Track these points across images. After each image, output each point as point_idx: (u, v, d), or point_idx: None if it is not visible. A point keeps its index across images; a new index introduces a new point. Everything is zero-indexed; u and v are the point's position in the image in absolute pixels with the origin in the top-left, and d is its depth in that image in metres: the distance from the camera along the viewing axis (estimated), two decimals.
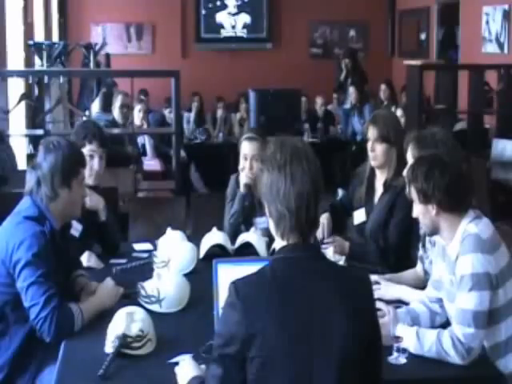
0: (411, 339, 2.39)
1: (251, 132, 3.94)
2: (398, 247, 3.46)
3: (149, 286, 2.79)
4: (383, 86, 9.11)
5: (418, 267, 3.11)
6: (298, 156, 1.88)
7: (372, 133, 3.57)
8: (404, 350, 2.35)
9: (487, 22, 8.18)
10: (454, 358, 2.35)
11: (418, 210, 2.56)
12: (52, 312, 2.54)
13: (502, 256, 2.49)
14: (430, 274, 2.95)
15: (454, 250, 2.51)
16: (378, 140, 3.54)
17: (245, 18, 10.89)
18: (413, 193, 2.55)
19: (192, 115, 9.35)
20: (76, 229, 3.35)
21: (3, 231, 2.72)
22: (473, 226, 2.48)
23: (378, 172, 3.65)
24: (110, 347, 2.37)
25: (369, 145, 3.59)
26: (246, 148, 3.73)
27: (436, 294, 2.67)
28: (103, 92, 7.40)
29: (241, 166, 3.76)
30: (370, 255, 3.46)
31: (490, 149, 6.87)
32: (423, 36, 10.29)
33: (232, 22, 10.89)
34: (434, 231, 2.57)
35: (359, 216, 3.65)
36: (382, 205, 3.55)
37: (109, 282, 2.88)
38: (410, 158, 3.03)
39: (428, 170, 2.49)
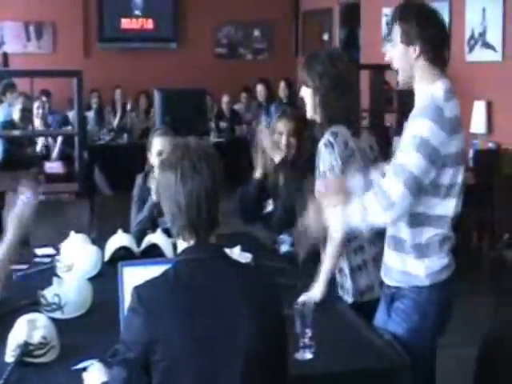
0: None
1: (162, 128, 3.87)
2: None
3: (49, 294, 2.72)
4: (282, 84, 9.15)
5: None
6: (189, 155, 1.87)
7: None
8: (310, 346, 2.35)
9: (387, 23, 8.40)
10: (375, 210, 2.31)
11: (396, 52, 2.49)
12: None
13: (456, 142, 2.36)
14: None
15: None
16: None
17: (149, 18, 10.76)
18: (395, 33, 2.48)
19: (92, 114, 9.12)
20: None
21: None
22: (441, 100, 2.37)
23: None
24: (10, 356, 2.29)
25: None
26: (160, 143, 3.63)
27: None
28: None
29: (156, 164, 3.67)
30: None
31: (390, 146, 7.05)
32: (326, 36, 10.47)
33: (136, 21, 10.74)
34: (409, 79, 2.51)
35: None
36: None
37: None
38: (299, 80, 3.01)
39: (419, 14, 2.44)
